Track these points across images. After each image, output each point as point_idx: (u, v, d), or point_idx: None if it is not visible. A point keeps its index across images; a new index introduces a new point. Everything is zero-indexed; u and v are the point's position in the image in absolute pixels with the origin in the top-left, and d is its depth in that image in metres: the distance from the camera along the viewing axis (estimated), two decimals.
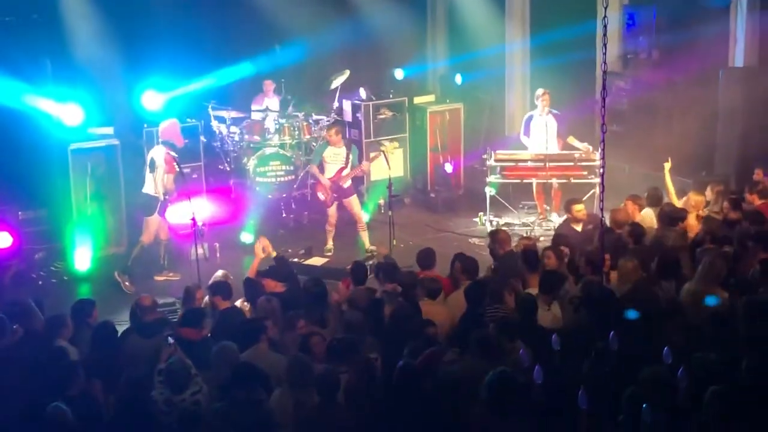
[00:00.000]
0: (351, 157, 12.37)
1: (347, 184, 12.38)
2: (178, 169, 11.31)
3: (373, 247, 12.21)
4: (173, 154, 11.36)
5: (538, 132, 13.09)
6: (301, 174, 13.73)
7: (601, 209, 5.92)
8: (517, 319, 7.43)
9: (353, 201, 12.48)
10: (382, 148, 12.75)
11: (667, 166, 11.47)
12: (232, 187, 13.87)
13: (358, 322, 7.71)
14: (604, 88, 5.16)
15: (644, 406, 5.05)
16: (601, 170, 5.40)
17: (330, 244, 12.48)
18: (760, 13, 12.89)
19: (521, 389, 5.47)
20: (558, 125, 13.06)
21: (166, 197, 11.38)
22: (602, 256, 7.67)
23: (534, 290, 8.21)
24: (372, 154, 13.21)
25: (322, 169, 12.36)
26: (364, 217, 12.63)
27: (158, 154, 11.35)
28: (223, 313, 8.43)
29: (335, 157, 12.32)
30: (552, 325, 7.54)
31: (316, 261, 12.17)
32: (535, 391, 5.30)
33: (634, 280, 8.05)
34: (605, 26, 5.07)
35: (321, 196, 12.41)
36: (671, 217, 10.10)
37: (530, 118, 13.24)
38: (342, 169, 12.30)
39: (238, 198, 13.68)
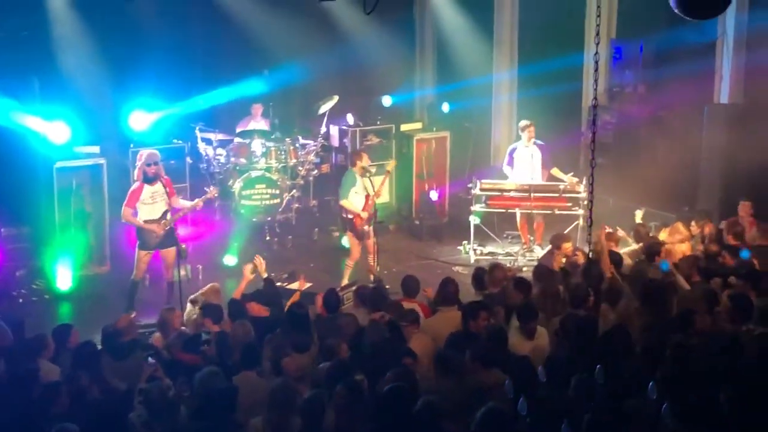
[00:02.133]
0: (374, 183, 11.99)
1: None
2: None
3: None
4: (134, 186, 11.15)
5: (523, 163, 13.13)
6: (287, 198, 13.73)
7: (589, 242, 5.94)
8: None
9: (373, 229, 11.99)
10: (388, 168, 12.63)
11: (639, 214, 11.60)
12: (217, 209, 13.85)
13: (338, 348, 7.73)
14: (594, 123, 5.20)
15: None
16: (590, 204, 5.42)
17: (346, 281, 11.72)
18: (746, 51, 13.00)
19: (510, 424, 5.47)
20: (543, 156, 13.11)
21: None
22: (587, 290, 7.70)
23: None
24: (379, 178, 13.01)
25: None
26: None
27: None
28: (219, 335, 8.40)
29: (361, 188, 11.89)
30: (533, 356, 7.58)
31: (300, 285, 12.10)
32: (520, 422, 5.31)
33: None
34: (596, 62, 5.12)
35: (359, 229, 11.82)
36: (649, 253, 10.19)
37: (514, 149, 13.29)
38: (368, 197, 11.86)
39: (221, 220, 13.69)
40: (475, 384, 6.84)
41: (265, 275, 9.84)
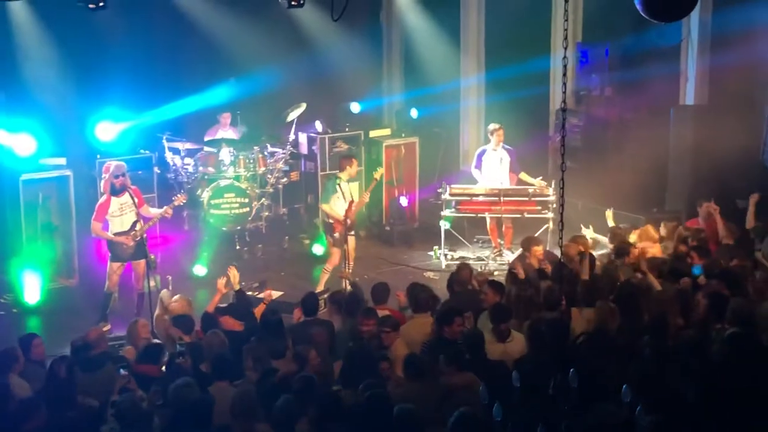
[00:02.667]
0: (342, 189, 11.94)
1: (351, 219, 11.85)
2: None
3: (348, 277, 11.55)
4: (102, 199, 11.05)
5: (492, 166, 13.15)
6: (256, 206, 13.67)
7: (560, 246, 5.94)
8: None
9: (353, 236, 11.97)
10: (376, 175, 12.62)
11: (609, 214, 11.64)
12: (186, 219, 13.77)
13: (308, 355, 7.72)
14: (563, 126, 5.21)
15: None
16: (561, 208, 5.43)
17: (322, 287, 11.75)
18: (711, 52, 13.12)
19: (483, 429, 5.47)
20: (511, 160, 13.13)
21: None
22: (560, 293, 7.71)
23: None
24: (355, 184, 12.94)
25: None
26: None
27: None
28: (192, 346, 8.35)
29: (344, 194, 11.88)
30: (505, 359, 7.64)
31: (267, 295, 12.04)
32: (495, 428, 5.31)
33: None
34: (565, 66, 5.13)
35: (337, 236, 11.81)
36: (618, 254, 10.24)
37: (483, 152, 13.30)
38: (351, 203, 11.80)
39: (191, 230, 13.61)
40: (447, 387, 6.85)
41: (237, 287, 9.77)
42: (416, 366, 7.10)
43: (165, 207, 11.34)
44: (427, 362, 7.21)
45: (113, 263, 10.94)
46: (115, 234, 10.81)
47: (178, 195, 11.68)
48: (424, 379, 7.01)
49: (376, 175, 12.64)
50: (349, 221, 11.72)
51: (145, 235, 10.85)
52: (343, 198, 11.87)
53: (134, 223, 10.86)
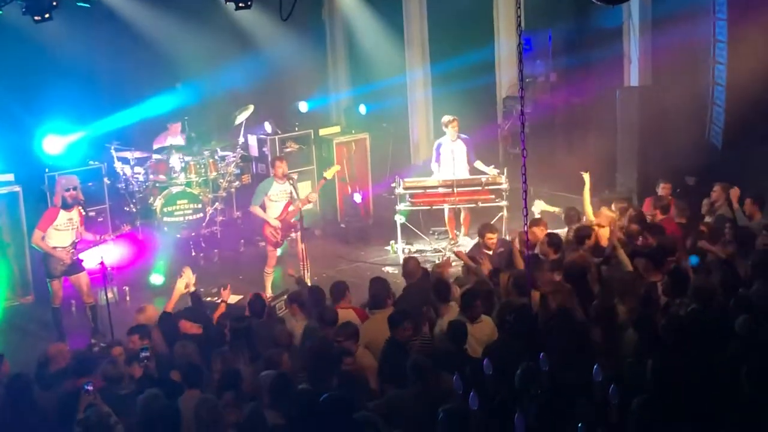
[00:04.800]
0: (294, 190, 11.95)
1: (294, 218, 11.89)
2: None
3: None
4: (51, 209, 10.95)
5: (450, 159, 13.17)
6: (210, 211, 13.58)
7: (525, 233, 5.98)
8: (440, 349, 7.51)
9: (300, 235, 11.88)
10: (327, 174, 12.56)
11: (587, 178, 11.67)
12: (139, 228, 13.61)
13: (280, 359, 7.69)
14: (522, 114, 5.25)
15: (579, 425, 5.12)
16: (524, 195, 5.46)
17: (270, 291, 11.77)
18: (652, 33, 13.29)
19: (471, 421, 5.47)
20: (468, 150, 13.14)
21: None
22: (528, 278, 7.76)
23: (445, 319, 8.28)
24: (305, 183, 12.94)
25: (264, 208, 11.86)
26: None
27: None
28: (158, 354, 8.29)
29: (281, 194, 11.89)
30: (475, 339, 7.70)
31: (230, 299, 11.97)
32: (474, 417, 5.31)
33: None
34: (520, 52, 5.17)
35: (271, 237, 11.87)
36: (579, 236, 10.32)
37: (440, 145, 13.28)
38: (288, 204, 11.87)
39: (145, 240, 13.45)
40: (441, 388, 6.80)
41: (193, 289, 9.71)
42: (420, 370, 6.96)
43: (108, 234, 11.30)
44: (428, 366, 7.08)
45: (52, 281, 10.78)
46: (55, 248, 10.66)
47: (124, 225, 11.79)
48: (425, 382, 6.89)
49: (327, 174, 12.59)
50: (280, 224, 11.78)
51: (78, 255, 10.76)
52: (285, 199, 11.89)
53: (73, 243, 10.75)
